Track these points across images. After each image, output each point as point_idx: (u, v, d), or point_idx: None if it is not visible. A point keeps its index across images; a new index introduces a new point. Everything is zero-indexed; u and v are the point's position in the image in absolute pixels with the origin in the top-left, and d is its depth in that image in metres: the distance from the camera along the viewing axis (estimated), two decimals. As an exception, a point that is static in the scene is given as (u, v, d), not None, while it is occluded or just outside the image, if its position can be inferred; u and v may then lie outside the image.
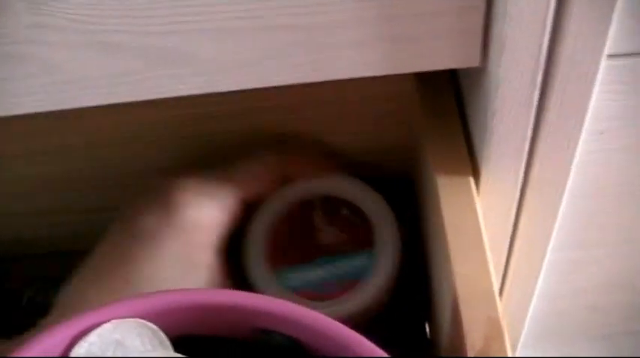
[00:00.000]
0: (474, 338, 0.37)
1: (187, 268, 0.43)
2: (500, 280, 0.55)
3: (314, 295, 0.47)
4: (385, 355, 0.32)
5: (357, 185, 0.50)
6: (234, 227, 0.47)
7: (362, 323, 0.45)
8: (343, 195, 0.50)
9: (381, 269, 0.47)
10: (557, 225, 0.49)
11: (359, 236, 0.49)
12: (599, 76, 0.38)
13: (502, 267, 0.53)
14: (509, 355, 0.36)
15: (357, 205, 0.49)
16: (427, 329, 0.58)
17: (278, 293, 0.46)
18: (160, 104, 0.39)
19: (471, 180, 0.43)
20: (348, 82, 0.39)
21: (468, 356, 0.36)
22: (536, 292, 0.58)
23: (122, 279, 0.42)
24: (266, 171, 0.49)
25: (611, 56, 0.37)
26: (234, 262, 0.47)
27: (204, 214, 0.44)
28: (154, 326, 0.33)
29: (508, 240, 0.50)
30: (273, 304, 0.33)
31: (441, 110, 0.46)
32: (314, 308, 0.43)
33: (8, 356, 0.31)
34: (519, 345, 0.69)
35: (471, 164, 0.44)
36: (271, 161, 0.49)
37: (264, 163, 0.49)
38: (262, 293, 0.46)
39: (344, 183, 0.50)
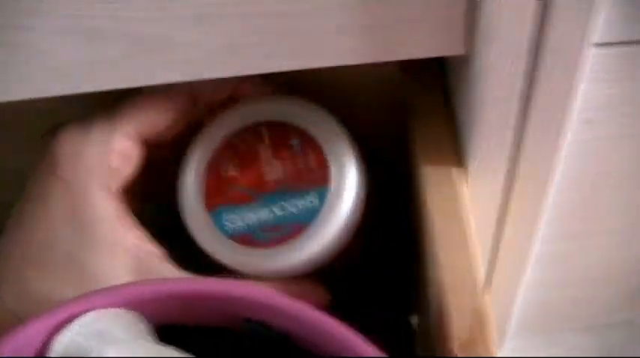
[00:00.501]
0: (459, 329, 0.36)
1: (79, 226, 0.40)
2: (487, 271, 0.55)
3: (252, 241, 0.42)
4: (371, 348, 0.31)
5: (311, 109, 0.44)
6: (138, 167, 0.43)
7: (311, 272, 0.42)
8: (293, 120, 0.44)
9: (334, 211, 0.42)
10: (544, 216, 0.49)
11: (311, 171, 0.43)
12: (587, 65, 0.37)
13: (489, 258, 0.53)
14: (495, 346, 0.36)
15: (310, 133, 0.43)
16: (413, 320, 0.58)
17: (211, 237, 0.42)
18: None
19: (458, 170, 0.43)
20: (331, 70, 0.38)
21: (454, 347, 0.36)
22: (523, 283, 0.58)
23: (15, 244, 0.40)
24: (167, 99, 0.43)
25: (598, 45, 0.37)
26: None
27: (87, 165, 0.40)
28: (137, 315, 0.33)
29: (495, 230, 0.50)
30: (259, 294, 0.33)
31: (427, 99, 0.46)
32: (248, 256, 0.42)
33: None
34: (507, 336, 0.69)
35: (457, 154, 0.43)
36: (172, 92, 0.43)
37: (164, 91, 0.43)
38: (195, 236, 0.43)
39: (294, 106, 0.44)
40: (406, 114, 0.50)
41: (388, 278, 0.57)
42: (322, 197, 0.42)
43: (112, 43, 0.35)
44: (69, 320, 0.32)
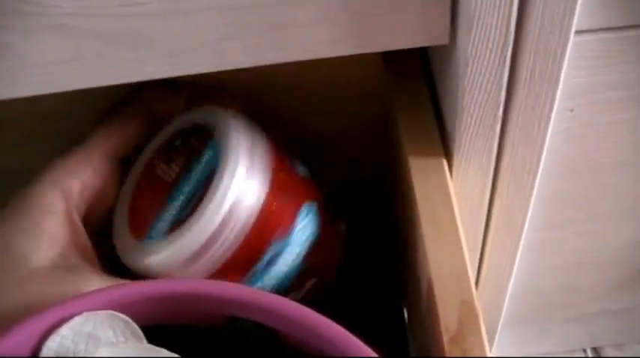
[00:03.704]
0: (448, 322, 0.36)
1: (21, 212, 0.40)
2: (476, 263, 0.55)
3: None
4: (358, 340, 0.31)
5: (218, 112, 0.43)
6: (110, 184, 0.44)
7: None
8: (183, 125, 0.45)
9: (229, 158, 0.40)
10: (531, 205, 0.49)
11: (196, 149, 0.43)
12: (568, 53, 0.37)
13: (478, 250, 0.53)
14: (484, 338, 0.36)
15: (201, 125, 0.43)
16: (405, 314, 0.58)
17: (140, 265, 0.41)
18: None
19: (444, 161, 0.43)
20: (316, 65, 0.38)
21: (443, 339, 0.36)
22: (512, 272, 0.58)
23: None
24: (133, 116, 0.46)
25: (578, 32, 0.37)
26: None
27: (50, 166, 0.42)
28: (126, 317, 0.33)
29: (483, 222, 0.50)
30: (244, 292, 0.33)
31: (411, 91, 0.46)
32: (157, 251, 0.40)
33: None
34: (498, 328, 0.69)
35: (443, 145, 0.43)
36: (132, 109, 0.46)
37: (128, 113, 0.46)
38: (129, 267, 0.42)
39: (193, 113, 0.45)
40: (384, 109, 0.50)
41: (378, 272, 0.57)
42: (212, 148, 0.42)
43: (84, 41, 0.35)
44: (59, 323, 0.32)
